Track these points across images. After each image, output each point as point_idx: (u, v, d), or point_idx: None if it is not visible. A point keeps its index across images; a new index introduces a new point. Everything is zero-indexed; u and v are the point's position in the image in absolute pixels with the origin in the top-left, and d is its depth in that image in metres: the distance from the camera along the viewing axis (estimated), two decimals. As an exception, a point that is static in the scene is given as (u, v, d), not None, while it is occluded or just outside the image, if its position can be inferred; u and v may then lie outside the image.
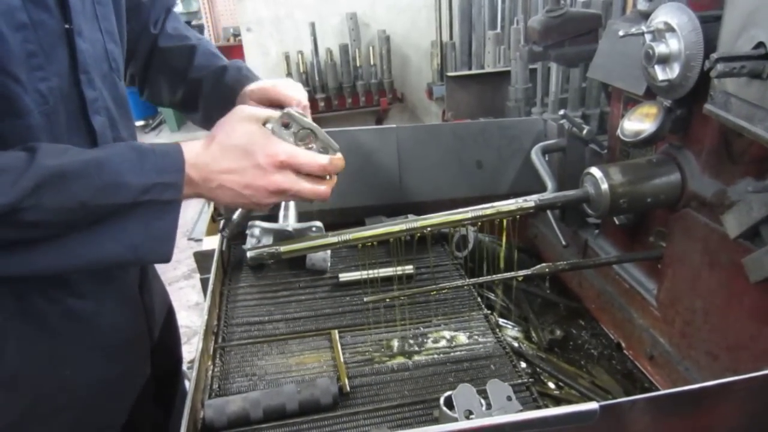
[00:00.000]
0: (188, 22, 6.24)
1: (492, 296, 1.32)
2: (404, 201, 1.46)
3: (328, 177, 0.86)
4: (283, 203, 1.36)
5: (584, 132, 1.16)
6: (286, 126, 0.83)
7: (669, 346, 1.01)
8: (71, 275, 0.85)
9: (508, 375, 0.95)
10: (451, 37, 3.11)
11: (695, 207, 0.92)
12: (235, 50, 4.83)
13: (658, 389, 1.02)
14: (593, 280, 1.25)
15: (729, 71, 0.69)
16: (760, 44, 0.68)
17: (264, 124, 0.83)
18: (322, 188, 0.84)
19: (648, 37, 0.86)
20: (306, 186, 0.83)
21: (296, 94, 0.98)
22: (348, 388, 0.90)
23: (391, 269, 1.20)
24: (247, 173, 0.79)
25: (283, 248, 0.86)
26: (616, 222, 1.12)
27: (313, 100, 3.11)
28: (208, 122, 1.12)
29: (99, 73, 0.87)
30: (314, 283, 1.24)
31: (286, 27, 3.09)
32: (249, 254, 0.86)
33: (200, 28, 5.92)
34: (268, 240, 1.26)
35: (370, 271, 1.23)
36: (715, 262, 0.88)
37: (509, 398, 0.74)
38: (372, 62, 3.23)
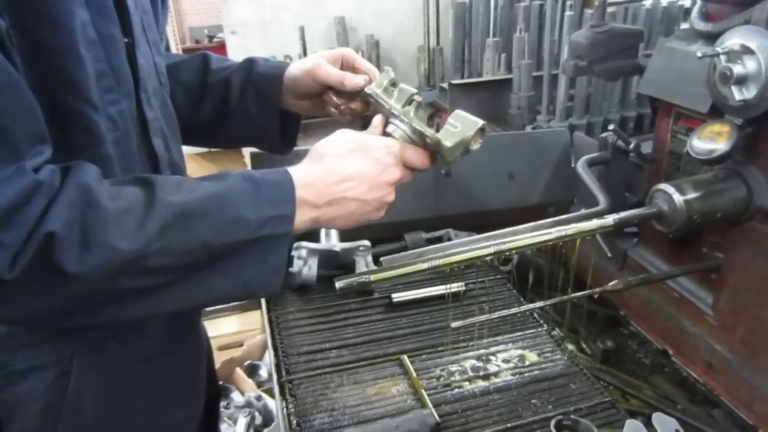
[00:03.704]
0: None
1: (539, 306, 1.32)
2: (440, 214, 1.44)
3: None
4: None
5: (631, 146, 1.18)
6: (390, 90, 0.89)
7: (729, 353, 1.05)
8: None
9: (589, 393, 0.96)
10: (438, 42, 3.12)
11: (760, 219, 0.96)
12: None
13: (718, 396, 1.05)
14: (636, 289, 1.27)
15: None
16: None
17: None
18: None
19: (723, 57, 0.89)
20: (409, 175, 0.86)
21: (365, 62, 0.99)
22: (437, 417, 0.88)
23: (443, 287, 1.19)
24: (369, 172, 0.76)
25: (373, 277, 0.83)
26: (669, 234, 1.14)
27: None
28: (244, 123, 1.02)
29: (152, 90, 0.80)
30: (365, 305, 1.20)
31: (272, 30, 2.99)
32: (338, 284, 0.82)
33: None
34: (314, 260, 1.22)
35: (424, 290, 1.21)
36: (784, 273, 0.92)
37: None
38: (359, 67, 3.18)
